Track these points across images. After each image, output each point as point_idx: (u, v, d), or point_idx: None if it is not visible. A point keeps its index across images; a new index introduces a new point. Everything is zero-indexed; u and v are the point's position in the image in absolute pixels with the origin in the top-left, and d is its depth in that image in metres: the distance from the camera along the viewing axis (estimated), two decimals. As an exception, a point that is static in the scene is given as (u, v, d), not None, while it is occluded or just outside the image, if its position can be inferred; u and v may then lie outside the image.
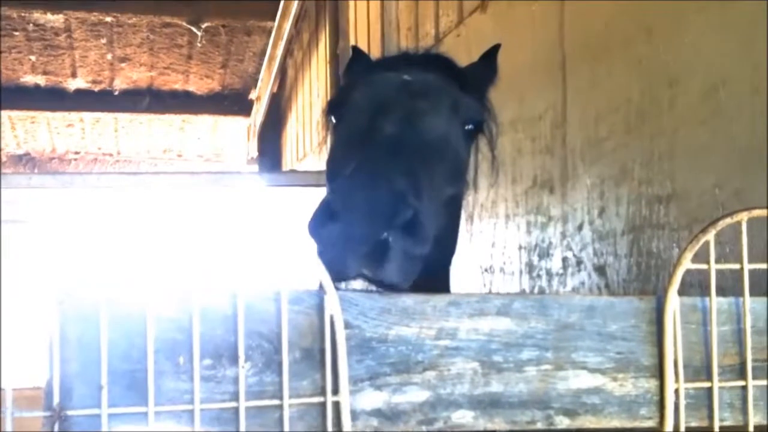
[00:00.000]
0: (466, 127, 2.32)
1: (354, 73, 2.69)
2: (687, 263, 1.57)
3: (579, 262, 3.55)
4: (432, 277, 1.90)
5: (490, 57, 2.68)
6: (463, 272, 4.67)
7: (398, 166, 1.85)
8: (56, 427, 1.29)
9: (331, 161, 2.33)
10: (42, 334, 1.33)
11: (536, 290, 3.95)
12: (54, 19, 10.90)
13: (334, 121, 2.42)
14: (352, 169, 1.81)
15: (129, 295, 1.35)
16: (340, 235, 1.61)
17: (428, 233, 1.74)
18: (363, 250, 1.61)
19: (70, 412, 1.30)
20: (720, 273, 1.59)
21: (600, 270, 3.37)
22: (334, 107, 2.44)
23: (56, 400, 1.30)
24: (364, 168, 1.80)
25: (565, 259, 3.68)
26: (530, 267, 4.04)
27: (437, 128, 2.16)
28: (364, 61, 2.83)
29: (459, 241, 2.46)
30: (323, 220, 1.65)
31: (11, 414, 1.29)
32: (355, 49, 2.93)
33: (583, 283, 3.51)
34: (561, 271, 3.71)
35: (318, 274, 1.40)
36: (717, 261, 1.59)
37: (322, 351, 1.41)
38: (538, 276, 3.95)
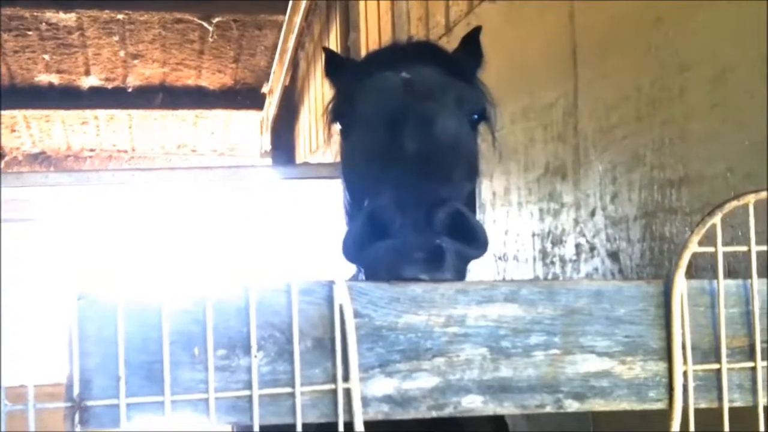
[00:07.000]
0: (473, 117, 2.33)
1: (339, 74, 2.62)
2: (694, 246, 1.58)
3: (592, 248, 3.56)
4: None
5: (472, 40, 2.59)
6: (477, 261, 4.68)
7: (429, 172, 1.90)
8: (77, 417, 1.33)
9: (350, 173, 2.32)
10: (61, 330, 1.37)
11: (550, 277, 3.96)
12: (66, 18, 10.98)
13: (340, 126, 2.40)
14: (385, 184, 1.85)
15: (145, 290, 1.39)
16: (391, 248, 1.65)
17: (479, 231, 1.78)
18: (420, 257, 1.64)
19: (90, 403, 1.34)
20: (733, 256, 1.60)
21: (613, 256, 3.38)
22: (337, 113, 2.42)
23: (76, 391, 1.34)
24: (398, 181, 1.84)
25: (578, 246, 3.69)
26: (543, 254, 4.05)
27: (451, 126, 2.17)
28: (340, 60, 2.79)
29: None
30: (365, 241, 1.70)
31: (33, 407, 1.33)
32: (326, 50, 2.82)
33: (596, 269, 3.52)
34: (574, 258, 3.72)
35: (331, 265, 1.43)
36: (730, 244, 1.60)
37: (333, 340, 1.43)
38: (552, 263, 3.96)
